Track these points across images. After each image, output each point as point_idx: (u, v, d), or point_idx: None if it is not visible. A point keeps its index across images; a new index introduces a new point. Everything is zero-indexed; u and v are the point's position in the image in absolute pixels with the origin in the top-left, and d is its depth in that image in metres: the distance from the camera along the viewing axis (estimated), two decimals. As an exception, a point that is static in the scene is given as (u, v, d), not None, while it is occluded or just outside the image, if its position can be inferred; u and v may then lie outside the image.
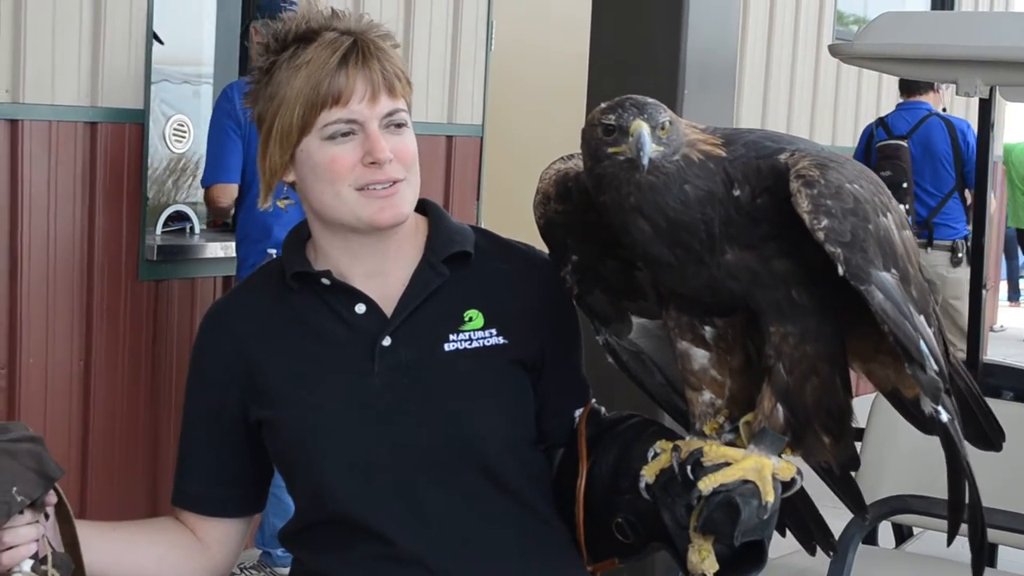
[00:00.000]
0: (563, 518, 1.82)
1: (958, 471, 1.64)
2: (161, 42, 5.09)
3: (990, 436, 1.79)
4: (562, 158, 1.79)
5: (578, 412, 1.84)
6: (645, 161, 1.53)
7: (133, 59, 4.50)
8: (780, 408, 1.59)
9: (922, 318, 1.57)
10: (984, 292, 3.92)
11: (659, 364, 1.84)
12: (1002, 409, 3.78)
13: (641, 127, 1.53)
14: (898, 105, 7.06)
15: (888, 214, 1.57)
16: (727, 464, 1.57)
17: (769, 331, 1.59)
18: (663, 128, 1.56)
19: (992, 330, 10.55)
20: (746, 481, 1.55)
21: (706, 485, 1.56)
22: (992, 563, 4.01)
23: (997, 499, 3.54)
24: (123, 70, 4.47)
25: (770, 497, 1.55)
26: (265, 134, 1.77)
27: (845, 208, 1.52)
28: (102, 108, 4.40)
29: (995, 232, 9.96)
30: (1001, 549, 3.93)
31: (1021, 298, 13.01)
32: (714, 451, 1.59)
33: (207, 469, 1.88)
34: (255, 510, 1.93)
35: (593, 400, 1.87)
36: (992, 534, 3.64)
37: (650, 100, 1.59)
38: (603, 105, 1.59)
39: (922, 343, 1.55)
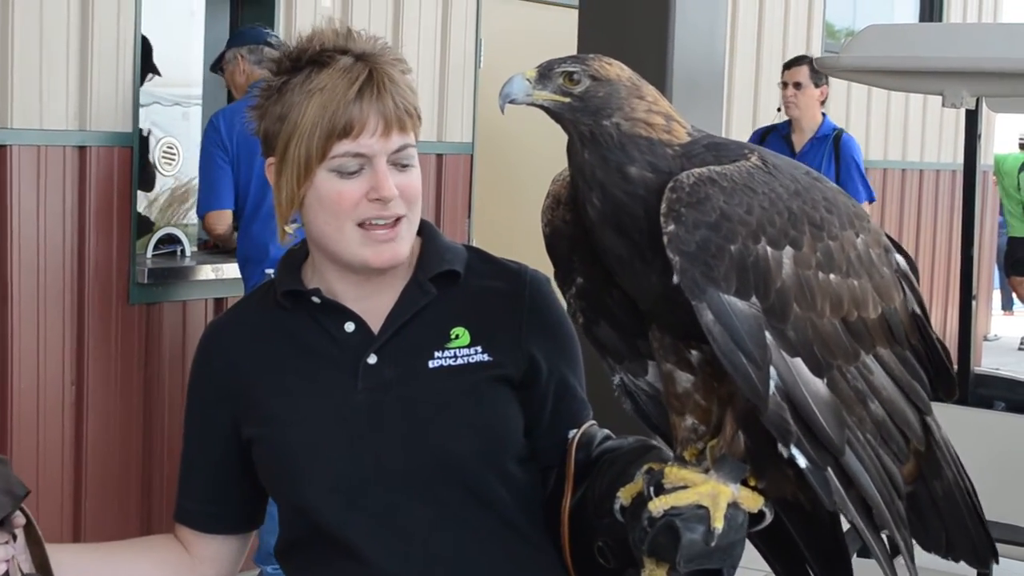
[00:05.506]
0: (553, 540, 1.80)
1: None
2: (159, 73, 5.10)
3: (978, 551, 1.69)
4: None
5: (572, 432, 1.82)
6: (500, 101, 1.53)
7: (121, 82, 4.50)
8: (741, 435, 1.54)
9: (798, 360, 1.47)
10: (973, 302, 3.92)
11: None
12: (994, 420, 3.78)
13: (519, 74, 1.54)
14: None
15: (787, 247, 1.47)
16: (684, 487, 1.53)
17: None
18: (571, 79, 1.53)
19: (986, 339, 10.56)
20: (700, 506, 1.51)
21: (656, 507, 1.52)
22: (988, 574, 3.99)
23: (990, 510, 3.53)
24: (112, 93, 4.47)
25: (718, 524, 1.50)
26: (279, 162, 1.75)
27: (701, 220, 1.45)
28: (91, 132, 4.40)
29: (987, 241, 9.98)
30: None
31: (1015, 307, 13.01)
32: (674, 474, 1.55)
33: (204, 486, 1.89)
34: (251, 527, 1.93)
35: (592, 422, 1.84)
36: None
37: (586, 56, 1.56)
38: None
39: (771, 384, 1.46)
